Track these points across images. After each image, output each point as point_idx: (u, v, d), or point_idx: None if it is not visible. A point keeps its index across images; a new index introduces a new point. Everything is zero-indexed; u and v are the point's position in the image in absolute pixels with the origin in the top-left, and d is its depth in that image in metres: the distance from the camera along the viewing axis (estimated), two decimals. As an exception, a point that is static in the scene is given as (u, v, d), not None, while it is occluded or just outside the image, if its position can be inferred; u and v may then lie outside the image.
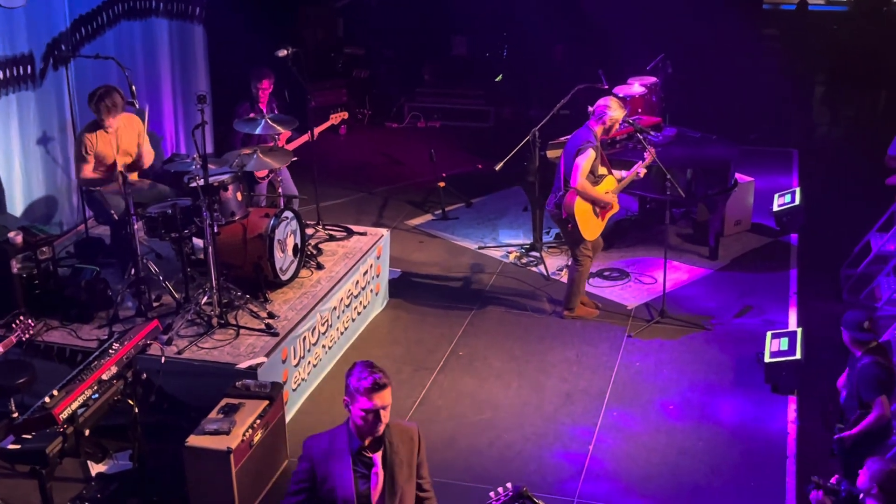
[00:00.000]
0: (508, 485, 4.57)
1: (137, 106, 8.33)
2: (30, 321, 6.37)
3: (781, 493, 6.70)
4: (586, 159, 8.22)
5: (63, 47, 9.04)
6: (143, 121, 8.40)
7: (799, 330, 7.93)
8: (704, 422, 7.51)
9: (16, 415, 6.42)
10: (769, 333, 7.99)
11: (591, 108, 8.47)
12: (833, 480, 5.50)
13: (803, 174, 12.11)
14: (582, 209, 8.38)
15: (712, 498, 6.67)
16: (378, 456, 4.37)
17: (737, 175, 10.26)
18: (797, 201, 10.11)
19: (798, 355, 7.57)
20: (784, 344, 7.70)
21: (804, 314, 8.94)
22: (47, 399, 5.80)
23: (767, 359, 7.69)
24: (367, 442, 4.33)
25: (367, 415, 4.23)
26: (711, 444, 7.25)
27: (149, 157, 8.43)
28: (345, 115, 10.06)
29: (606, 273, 9.75)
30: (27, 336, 6.37)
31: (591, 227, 8.53)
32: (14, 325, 6.31)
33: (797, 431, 7.32)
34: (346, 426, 4.39)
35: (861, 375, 6.37)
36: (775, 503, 6.62)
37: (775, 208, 10.25)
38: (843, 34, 16.27)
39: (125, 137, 8.24)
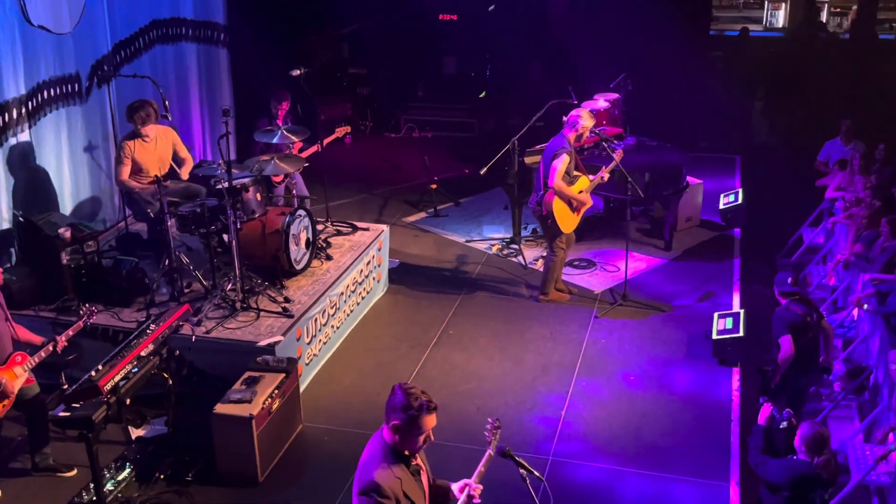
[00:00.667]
0: (490, 419, 4.55)
1: (170, 118, 8.30)
2: (94, 308, 6.37)
3: (726, 451, 6.74)
4: (562, 163, 8.22)
5: (105, 68, 9.01)
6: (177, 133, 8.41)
7: (742, 311, 7.95)
8: (661, 390, 7.54)
9: (66, 387, 6.42)
10: (716, 314, 7.99)
11: (565, 119, 8.47)
12: (786, 413, 5.57)
13: (745, 177, 12.12)
14: (560, 206, 8.37)
15: (667, 455, 6.70)
16: (420, 457, 4.18)
17: (688, 178, 10.27)
18: (740, 200, 10.13)
19: (741, 333, 7.58)
20: (729, 323, 7.71)
21: (746, 297, 8.98)
22: (93, 373, 5.82)
23: (714, 336, 7.70)
24: (407, 452, 4.05)
25: (419, 437, 3.97)
26: (667, 409, 7.28)
27: (190, 161, 8.41)
28: (348, 129, 10.02)
29: (576, 263, 9.74)
30: (91, 321, 6.36)
31: (567, 221, 8.52)
32: (81, 311, 6.32)
33: (740, 398, 7.36)
34: (385, 446, 4.02)
35: (774, 317, 6.59)
36: (721, 460, 6.65)
37: (721, 206, 10.26)
38: (779, 57, 16.31)
39: (161, 146, 8.20)
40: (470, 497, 4.27)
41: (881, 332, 7.21)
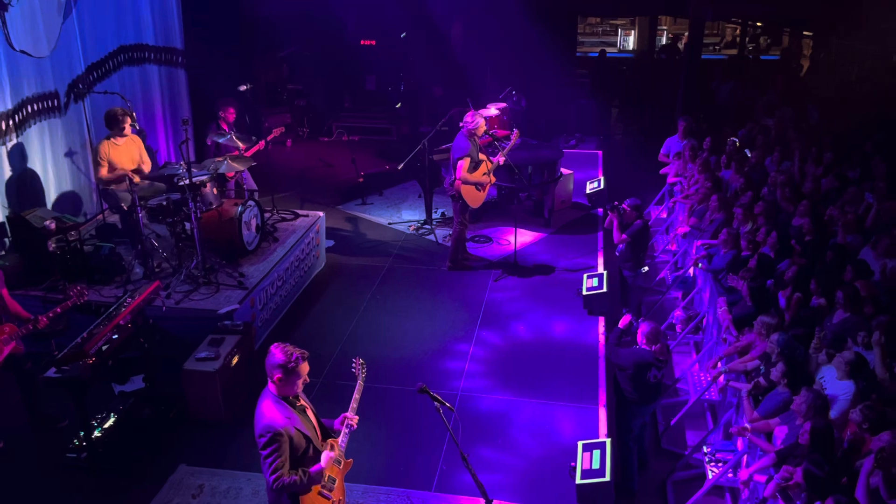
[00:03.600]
0: (354, 359, 4.57)
1: (137, 127, 8.00)
2: (84, 290, 5.95)
3: (595, 382, 6.89)
4: (465, 162, 8.26)
5: (80, 86, 8.61)
6: (143, 140, 8.09)
7: (605, 272, 8.08)
8: (544, 336, 7.66)
9: (56, 353, 6.16)
10: (585, 275, 8.11)
11: (461, 124, 8.47)
12: (629, 319, 5.71)
13: (606, 168, 12.36)
14: (467, 188, 8.42)
15: (550, 387, 6.82)
16: (303, 398, 4.12)
17: (562, 169, 10.41)
18: (602, 186, 10.28)
19: (605, 289, 7.72)
20: (595, 282, 7.81)
21: (608, 261, 9.16)
22: (80, 340, 5.60)
23: (584, 292, 7.80)
24: (291, 397, 4.01)
25: (298, 381, 3.93)
26: (549, 350, 7.40)
27: (147, 166, 8.11)
28: (282, 129, 9.76)
29: (476, 238, 9.80)
30: (82, 300, 6.00)
31: (474, 198, 8.57)
32: (72, 293, 5.85)
33: (604, 341, 7.52)
34: (272, 396, 3.95)
35: (632, 225, 7.57)
36: (591, 389, 6.80)
37: (587, 191, 10.39)
38: (630, 73, 16.64)
39: (131, 149, 7.89)
40: (349, 426, 4.27)
41: (711, 285, 7.48)
